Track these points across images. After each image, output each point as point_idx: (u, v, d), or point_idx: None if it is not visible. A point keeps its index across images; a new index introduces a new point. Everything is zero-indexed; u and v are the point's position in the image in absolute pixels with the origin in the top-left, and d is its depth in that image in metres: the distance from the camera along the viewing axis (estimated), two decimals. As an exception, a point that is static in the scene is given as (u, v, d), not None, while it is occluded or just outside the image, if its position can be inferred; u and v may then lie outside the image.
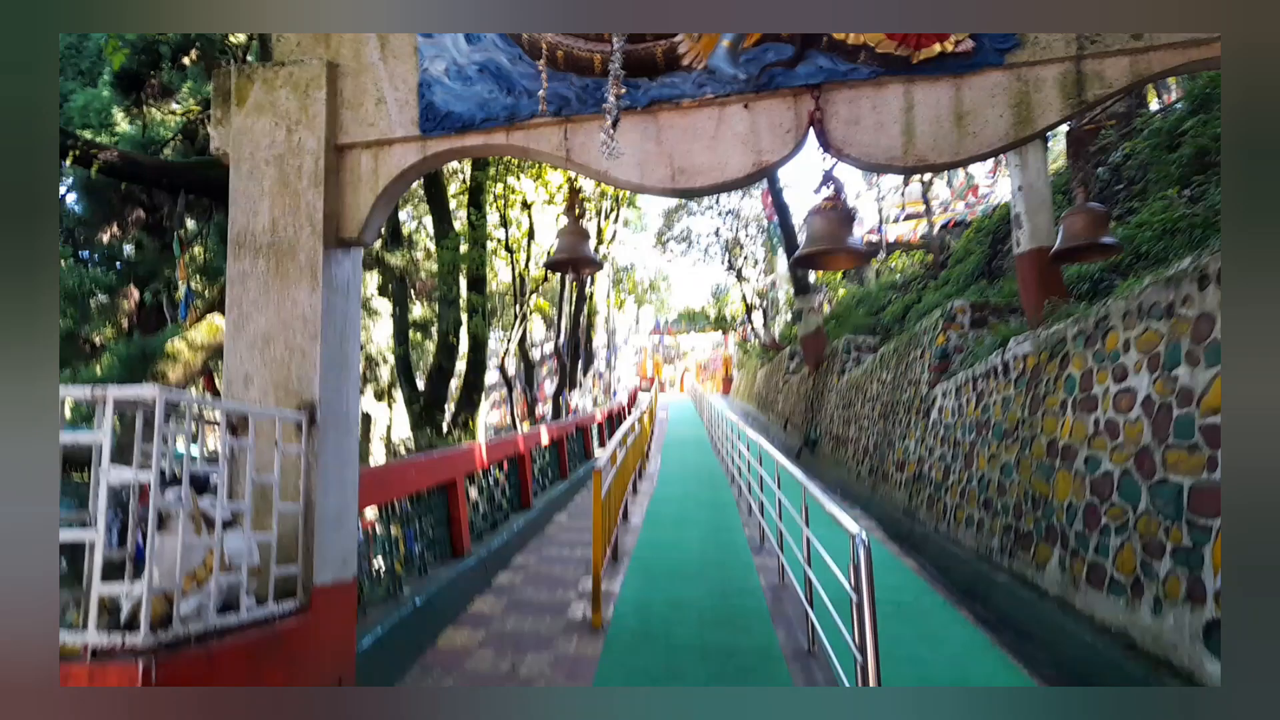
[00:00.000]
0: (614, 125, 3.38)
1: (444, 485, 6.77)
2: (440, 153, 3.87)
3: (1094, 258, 4.08)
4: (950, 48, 3.46)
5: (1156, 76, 3.52)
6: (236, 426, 3.22)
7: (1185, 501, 4.43)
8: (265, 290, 3.67)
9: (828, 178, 3.57)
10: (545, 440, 12.27)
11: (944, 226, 24.34)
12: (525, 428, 18.57)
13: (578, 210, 3.91)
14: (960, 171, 29.04)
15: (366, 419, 23.07)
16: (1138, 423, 5.09)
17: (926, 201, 22.09)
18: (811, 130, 3.59)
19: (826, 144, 3.57)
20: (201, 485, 2.92)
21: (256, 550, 3.05)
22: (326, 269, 3.75)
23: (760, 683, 4.79)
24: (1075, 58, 3.44)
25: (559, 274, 21.33)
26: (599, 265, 4.22)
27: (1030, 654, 5.45)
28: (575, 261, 3.95)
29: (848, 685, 3.92)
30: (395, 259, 16.08)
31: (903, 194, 26.64)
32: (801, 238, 3.81)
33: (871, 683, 3.30)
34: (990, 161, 26.42)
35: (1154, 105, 15.18)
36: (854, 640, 3.51)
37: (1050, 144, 14.41)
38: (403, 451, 18.88)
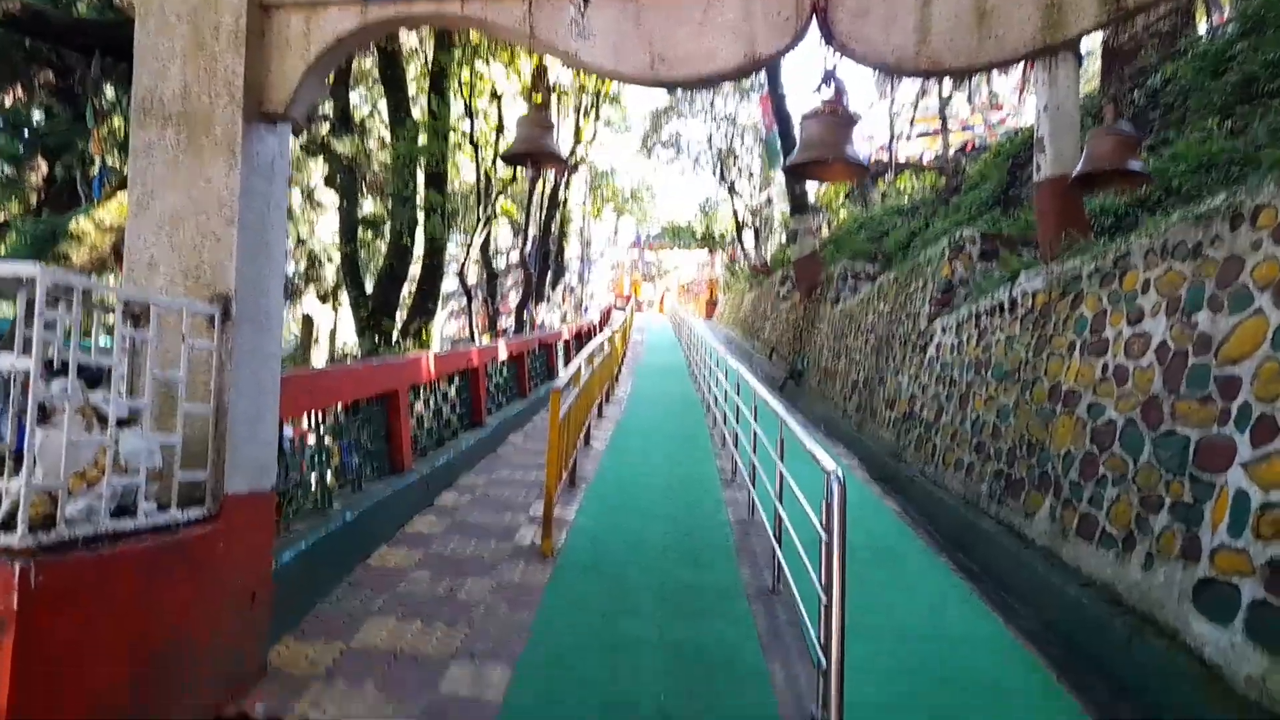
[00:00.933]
0: (585, 1, 3.21)
1: (384, 396, 6.72)
2: (383, 20, 3.66)
3: (1118, 185, 3.98)
4: (979, -71, 3.30)
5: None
6: (139, 317, 3.12)
7: (1191, 455, 4.49)
8: (174, 165, 3.50)
9: (829, 77, 3.43)
10: (503, 355, 12.22)
11: (960, 149, 24.08)
12: (484, 341, 18.51)
13: (542, 96, 3.74)
14: (983, 88, 28.58)
15: (309, 322, 22.80)
16: (1149, 370, 5.13)
17: (944, 119, 21.75)
18: (814, 20, 3.44)
19: (830, 37, 3.43)
20: (95, 379, 2.83)
21: (159, 452, 2.99)
22: (246, 145, 3.58)
23: (718, 621, 4.88)
24: (1119, -50, 3.29)
25: (523, 170, 20.78)
26: (562, 161, 4.08)
27: (1010, 606, 5.61)
28: (536, 154, 3.80)
29: (811, 627, 4.00)
30: (343, 146, 15.62)
31: (916, 108, 26.22)
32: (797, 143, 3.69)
33: (835, 626, 3.35)
34: (1017, 77, 26.03)
35: (1202, 28, 14.90)
36: (820, 581, 3.56)
37: (1084, 64, 14.18)
38: (348, 359, 18.80)
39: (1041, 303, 7.12)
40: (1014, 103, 27.08)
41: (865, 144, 28.23)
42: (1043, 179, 8.66)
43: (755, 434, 7.32)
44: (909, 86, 27.16)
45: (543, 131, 3.74)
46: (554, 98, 20.43)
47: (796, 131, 3.43)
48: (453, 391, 9.21)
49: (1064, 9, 3.33)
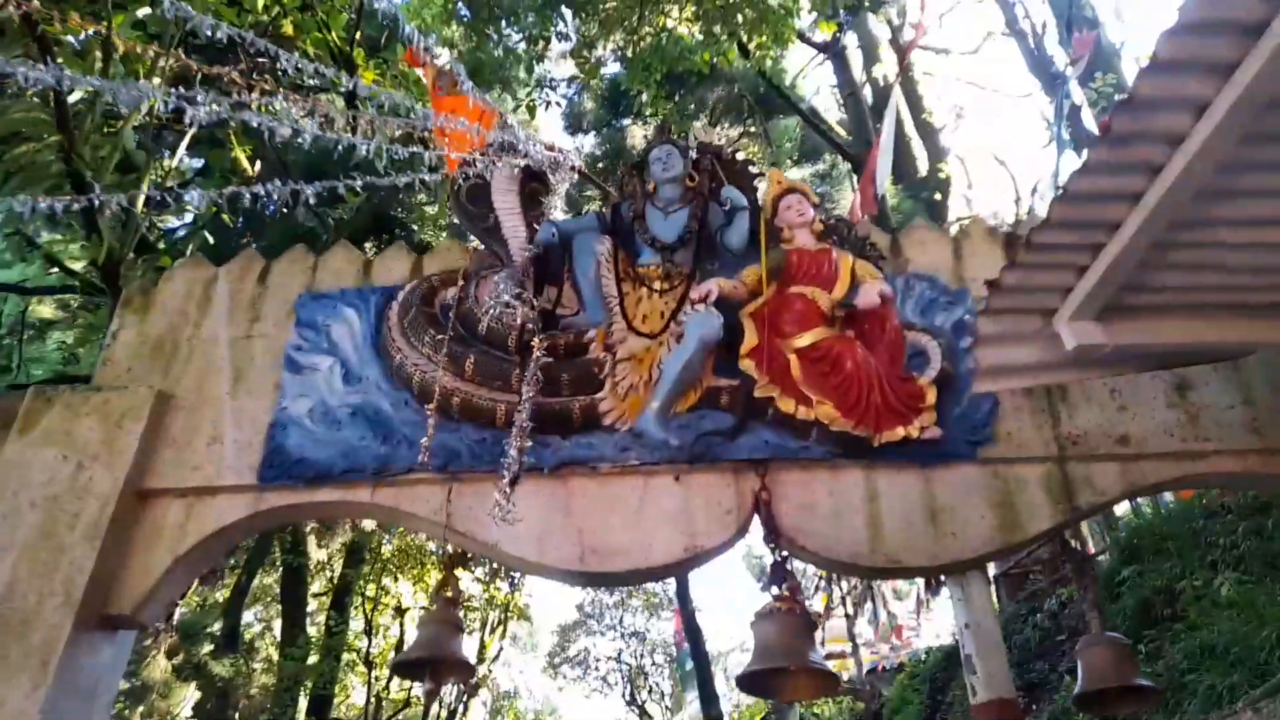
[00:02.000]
0: (512, 485, 2.86)
1: None
2: (279, 508, 3.22)
3: (1125, 706, 3.46)
4: (915, 433, 3.22)
5: (1150, 490, 3.34)
6: None
7: None
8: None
9: (780, 573, 3.02)
10: None
11: (871, 669, 23.45)
12: None
13: (451, 590, 3.16)
14: (883, 611, 29.09)
15: None
16: None
17: (854, 639, 21.52)
18: (757, 514, 3.15)
19: (776, 532, 3.11)
20: None
21: None
22: (69, 658, 2.80)
23: None
24: (1058, 459, 3.23)
25: (418, 691, 18.92)
26: (470, 670, 3.36)
27: None
28: (438, 663, 3.08)
29: None
30: (223, 669, 14.08)
31: (824, 629, 26.11)
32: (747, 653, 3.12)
33: None
34: (913, 601, 26.66)
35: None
36: None
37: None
38: None
39: None
40: (913, 625, 27.32)
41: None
42: (980, 703, 8.06)
43: None
44: (812, 603, 27.35)
45: (448, 634, 3.08)
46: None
47: (752, 636, 2.90)
48: None
49: (1017, 509, 3.15)
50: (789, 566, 3.05)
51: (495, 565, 20.54)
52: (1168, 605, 9.60)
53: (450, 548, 3.32)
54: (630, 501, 3.16)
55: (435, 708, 21.12)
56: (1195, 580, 9.16)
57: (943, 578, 10.13)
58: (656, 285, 3.58)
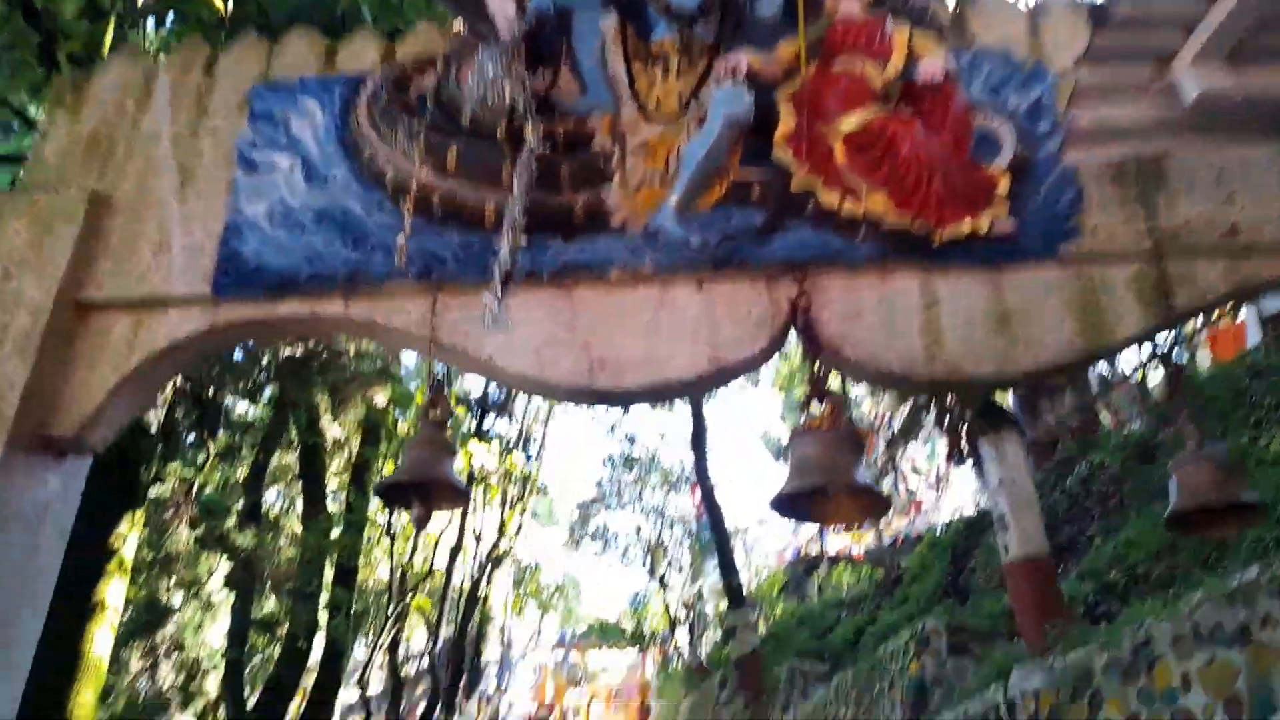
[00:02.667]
0: (504, 283, 2.40)
1: None
2: (238, 322, 2.79)
3: (1227, 526, 3.10)
4: (984, 227, 2.70)
5: (1263, 287, 2.83)
6: None
7: None
8: None
9: (820, 388, 2.58)
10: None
11: (890, 543, 23.72)
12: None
13: (438, 411, 2.76)
14: (901, 487, 29.27)
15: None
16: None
17: (872, 509, 21.63)
18: (793, 325, 2.69)
19: (816, 342, 2.64)
20: None
21: None
22: (6, 483, 2.46)
23: None
24: (1153, 255, 2.72)
25: (440, 559, 19.25)
26: (463, 496, 3.00)
27: None
28: (427, 485, 2.69)
29: None
30: (245, 539, 14.22)
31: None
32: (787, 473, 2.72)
33: None
34: (934, 477, 26.64)
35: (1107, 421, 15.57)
36: None
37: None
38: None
39: (1048, 704, 5.85)
40: (933, 499, 27.45)
41: (793, 538, 27.74)
42: (1013, 560, 7.84)
43: None
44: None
45: (437, 454, 2.68)
46: (480, 489, 19.69)
47: (788, 455, 2.50)
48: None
49: (1102, 312, 2.66)
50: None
51: (509, 441, 20.67)
52: (1206, 469, 9.29)
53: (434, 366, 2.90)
54: (644, 311, 2.70)
55: (457, 579, 21.64)
56: (1240, 439, 8.79)
57: (965, 446, 9.87)
58: (674, 63, 3.02)
